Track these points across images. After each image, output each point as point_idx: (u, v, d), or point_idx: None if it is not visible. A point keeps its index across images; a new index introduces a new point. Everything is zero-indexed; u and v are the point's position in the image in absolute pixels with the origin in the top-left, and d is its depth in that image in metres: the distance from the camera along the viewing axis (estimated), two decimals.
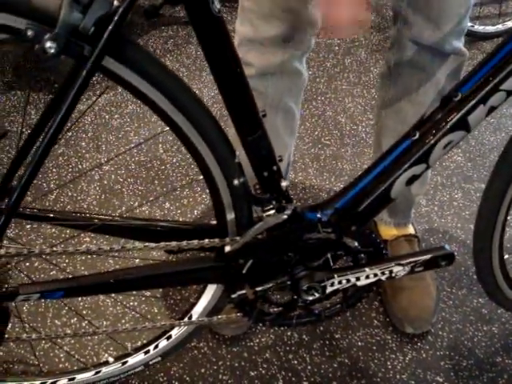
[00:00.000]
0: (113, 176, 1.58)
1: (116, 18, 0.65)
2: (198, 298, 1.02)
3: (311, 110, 1.80)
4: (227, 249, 0.87)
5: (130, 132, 1.73)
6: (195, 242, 0.86)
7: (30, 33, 0.64)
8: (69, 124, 0.72)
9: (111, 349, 1.21)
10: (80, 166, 1.62)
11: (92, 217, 0.92)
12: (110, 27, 0.65)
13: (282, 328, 1.24)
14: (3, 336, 0.90)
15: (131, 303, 1.29)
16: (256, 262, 0.89)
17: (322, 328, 1.24)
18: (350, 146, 1.68)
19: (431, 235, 1.43)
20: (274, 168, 0.82)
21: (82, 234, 1.38)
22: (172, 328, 1.06)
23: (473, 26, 2.02)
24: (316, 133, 1.72)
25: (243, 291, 0.93)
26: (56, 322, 1.27)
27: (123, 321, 1.26)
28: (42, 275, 1.34)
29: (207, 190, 0.84)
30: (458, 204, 1.52)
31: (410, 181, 0.88)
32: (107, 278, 0.88)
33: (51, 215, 0.89)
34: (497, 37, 2.11)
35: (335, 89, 1.89)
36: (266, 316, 0.99)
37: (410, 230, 1.34)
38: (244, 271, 0.89)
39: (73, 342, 1.23)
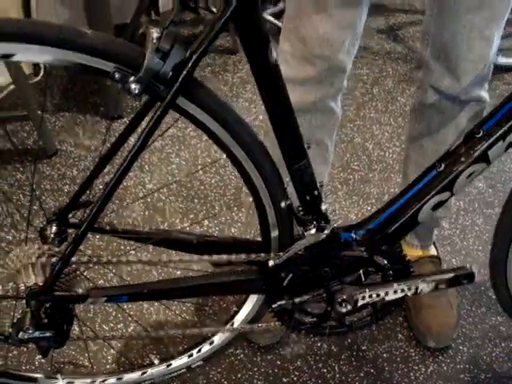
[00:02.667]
0: (155, 194, 1.71)
1: (190, 64, 0.77)
2: (239, 307, 1.13)
3: (341, 136, 1.91)
4: (271, 263, 0.98)
5: (172, 154, 1.85)
6: (243, 256, 0.97)
7: (117, 75, 0.76)
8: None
9: (154, 352, 1.32)
10: (125, 184, 1.74)
11: (151, 231, 1.04)
12: (185, 72, 0.77)
13: (313, 338, 1.34)
14: (68, 335, 1.01)
15: (172, 311, 1.40)
16: (296, 275, 0.99)
17: (349, 340, 1.34)
18: (378, 172, 1.79)
19: (453, 256, 1.53)
20: (316, 193, 0.93)
21: (128, 247, 1.50)
22: (215, 334, 1.17)
23: (496, 59, 2.11)
24: (345, 158, 1.83)
25: (283, 302, 1.03)
26: (104, 326, 1.38)
27: (165, 327, 1.37)
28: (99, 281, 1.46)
29: (243, 210, 0.95)
30: (479, 228, 1.62)
31: (436, 207, 0.99)
32: (165, 285, 1.00)
33: (117, 229, 1.01)
34: None
35: (363, 116, 2.01)
36: (302, 325, 1.09)
37: (433, 251, 1.44)
38: (284, 284, 1.00)
39: (119, 345, 1.34)
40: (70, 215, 1.03)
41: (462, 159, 0.95)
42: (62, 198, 1.70)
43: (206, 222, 1.62)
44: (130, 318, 1.38)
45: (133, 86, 0.76)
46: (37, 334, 0.94)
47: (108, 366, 1.31)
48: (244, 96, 2.11)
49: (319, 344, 1.33)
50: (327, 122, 1.22)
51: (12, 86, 1.98)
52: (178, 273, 1.44)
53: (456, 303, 1.37)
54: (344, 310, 1.03)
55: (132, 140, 0.89)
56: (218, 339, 1.17)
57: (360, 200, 1.69)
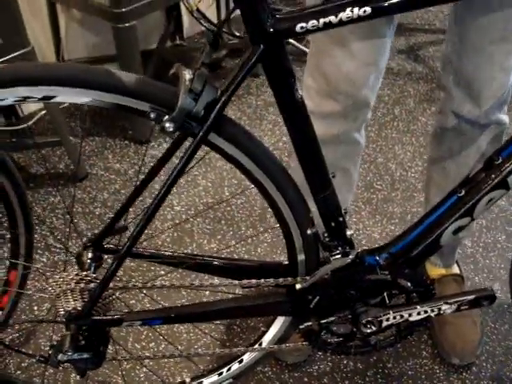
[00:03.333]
0: (183, 216, 1.76)
1: (220, 103, 0.82)
2: (268, 327, 1.17)
3: (363, 156, 1.94)
4: (298, 286, 1.03)
5: (198, 176, 1.91)
6: (271, 280, 1.01)
7: (152, 115, 0.82)
8: None
9: (186, 370, 1.37)
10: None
11: (182, 256, 1.09)
12: (216, 110, 0.82)
13: (339, 356, 1.38)
14: (104, 356, 1.07)
15: (201, 330, 1.45)
16: (322, 298, 1.03)
17: (374, 358, 1.37)
18: (400, 191, 1.83)
19: (476, 274, 1.56)
20: (340, 219, 0.98)
21: (158, 269, 1.56)
22: (244, 353, 1.22)
23: None
24: (368, 178, 1.87)
25: (310, 323, 1.07)
26: (136, 345, 1.43)
27: (196, 346, 1.42)
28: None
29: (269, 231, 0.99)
30: (501, 246, 1.64)
31: (457, 231, 1.02)
32: (197, 309, 1.05)
33: (152, 254, 1.06)
34: None
35: (385, 137, 2.05)
36: (328, 345, 1.13)
37: (455, 269, 1.46)
38: (311, 306, 1.04)
39: (151, 363, 1.39)
40: (105, 242, 1.09)
41: (482, 186, 0.98)
42: (94, 221, 1.77)
43: (232, 242, 1.68)
44: (161, 337, 1.44)
45: (167, 124, 0.81)
46: (75, 355, 0.99)
47: None
48: (268, 118, 2.16)
49: (345, 362, 1.37)
50: (351, 152, 1.26)
51: (43, 112, 2.07)
52: (207, 293, 1.49)
53: (479, 320, 1.39)
54: (369, 331, 1.07)
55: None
56: (247, 358, 1.22)
57: (383, 219, 1.73)
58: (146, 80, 0.83)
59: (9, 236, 1.28)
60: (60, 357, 0.99)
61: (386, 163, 1.94)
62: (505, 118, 1.21)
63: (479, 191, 0.99)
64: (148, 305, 1.49)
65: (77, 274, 1.01)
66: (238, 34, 2.51)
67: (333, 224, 0.98)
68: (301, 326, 1.08)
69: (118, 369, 1.39)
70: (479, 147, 1.24)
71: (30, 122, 2.11)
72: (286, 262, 1.06)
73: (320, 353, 1.39)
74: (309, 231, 0.96)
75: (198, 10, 2.49)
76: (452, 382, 1.32)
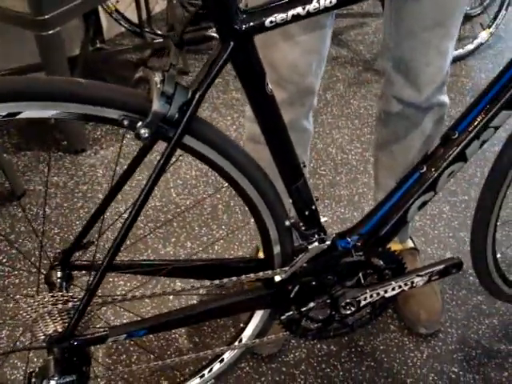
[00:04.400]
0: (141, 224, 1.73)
1: (194, 103, 0.81)
2: (246, 323, 1.18)
3: None
4: (278, 278, 1.04)
5: (142, 180, 1.88)
6: (252, 275, 1.02)
7: (125, 122, 0.80)
8: None
9: (162, 379, 1.35)
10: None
11: (160, 263, 1.07)
12: (189, 112, 0.81)
13: (312, 342, 1.40)
14: (89, 376, 1.03)
15: (175, 335, 1.43)
16: (301, 286, 1.05)
17: (346, 338, 1.41)
18: (344, 174, 1.87)
19: (428, 246, 1.63)
20: (313, 207, 1.00)
21: (131, 280, 1.53)
22: (225, 352, 1.22)
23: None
24: (312, 164, 1.91)
25: (290, 312, 1.09)
26: (107, 360, 1.39)
27: (169, 352, 1.40)
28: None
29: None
30: (446, 216, 1.72)
31: (421, 206, 1.07)
32: (181, 313, 1.04)
33: (125, 264, 1.04)
34: (461, 59, 2.36)
35: (322, 123, 2.09)
36: (309, 331, 1.15)
37: (410, 244, 1.52)
38: (292, 295, 1.06)
39: (126, 376, 1.36)
40: (73, 258, 1.05)
41: (442, 160, 1.03)
42: (40, 239, 1.70)
43: (188, 244, 1.66)
44: (131, 348, 1.41)
45: (142, 131, 0.79)
46: (62, 380, 0.96)
47: None
48: (231, 113, 2.16)
49: (319, 346, 1.40)
50: (301, 140, 1.28)
51: None
52: (174, 301, 1.48)
53: (439, 289, 1.46)
54: (348, 312, 1.10)
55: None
56: (228, 356, 1.22)
57: (332, 203, 1.77)
58: (113, 87, 0.80)
59: None
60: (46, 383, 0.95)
61: (326, 148, 1.98)
62: (445, 98, 1.26)
63: (440, 166, 1.04)
64: (120, 319, 1.46)
65: (52, 296, 0.98)
66: (160, 33, 2.49)
67: (307, 213, 0.99)
68: (282, 317, 1.09)
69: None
70: (423, 129, 1.28)
71: None
72: (262, 256, 1.07)
73: (293, 341, 1.41)
74: (287, 222, 0.98)
75: (116, 10, 2.44)
76: (422, 351, 1.38)
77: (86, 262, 1.06)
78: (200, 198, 1.80)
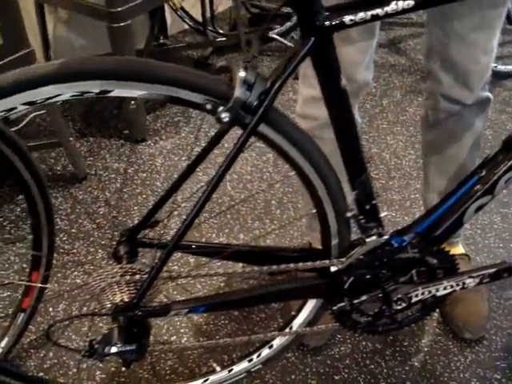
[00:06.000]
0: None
1: (272, 93, 0.87)
2: (298, 311, 1.22)
3: None
4: (334, 268, 1.08)
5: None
6: (309, 263, 1.06)
7: (208, 106, 0.85)
8: None
9: (211, 361, 1.40)
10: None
11: (220, 246, 1.12)
12: (267, 101, 0.86)
13: (358, 338, 1.43)
14: (147, 347, 1.09)
15: (226, 319, 1.48)
16: (356, 279, 1.09)
17: (391, 337, 1.44)
18: (397, 179, 1.90)
19: (477, 254, 1.64)
20: (374, 202, 1.03)
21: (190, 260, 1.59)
22: (275, 338, 1.26)
23: (496, 67, 2.24)
24: None
25: (342, 304, 1.13)
26: (158, 339, 1.46)
27: (217, 336, 1.45)
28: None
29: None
30: (497, 227, 1.73)
31: (478, 209, 1.10)
32: (240, 295, 1.09)
33: (189, 245, 1.10)
34: None
35: (377, 128, 2.12)
36: (358, 324, 1.18)
37: (461, 249, 1.54)
38: (345, 287, 1.09)
39: (175, 357, 1.42)
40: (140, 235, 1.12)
41: (501, 166, 1.05)
42: (100, 220, 1.78)
43: (241, 235, 1.71)
44: (181, 330, 1.46)
45: (223, 115, 0.85)
46: (124, 347, 1.02)
47: (167, 378, 1.39)
48: None
49: (364, 343, 1.43)
50: None
51: (32, 115, 2.06)
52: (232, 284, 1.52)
53: (486, 296, 1.47)
54: (399, 308, 1.13)
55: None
56: (277, 343, 1.26)
57: (384, 206, 1.80)
58: (200, 73, 0.86)
59: (31, 236, 1.29)
60: (108, 349, 1.01)
61: (380, 153, 2.01)
62: (489, 94, 1.29)
63: (499, 171, 1.06)
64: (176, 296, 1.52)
65: (121, 267, 1.04)
66: (222, 32, 2.56)
67: (367, 207, 1.03)
68: (334, 308, 1.13)
69: (143, 363, 1.41)
70: (471, 126, 1.31)
71: (20, 125, 2.10)
72: (319, 247, 1.11)
73: (339, 336, 1.44)
74: (348, 214, 1.02)
75: (182, 8, 2.52)
76: (466, 356, 1.39)
77: (152, 240, 1.12)
78: (254, 193, 1.86)
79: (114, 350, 1.01)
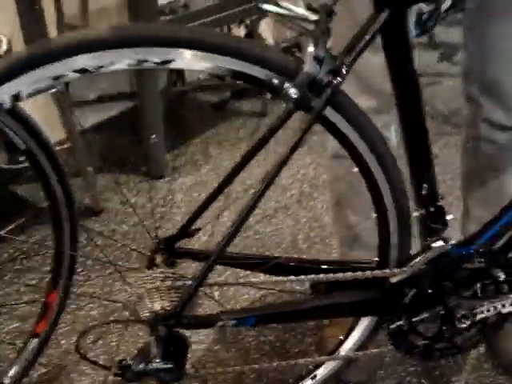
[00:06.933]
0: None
1: (342, 71, 0.81)
2: (346, 336, 1.11)
3: None
4: (395, 279, 0.98)
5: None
6: (368, 272, 0.97)
7: (275, 81, 0.79)
8: None
9: None
10: None
11: (263, 258, 1.03)
12: (336, 81, 0.81)
13: (403, 374, 1.32)
14: (185, 368, 0.97)
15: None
16: (418, 291, 0.99)
17: (437, 372, 1.32)
18: None
19: None
20: (439, 203, 0.96)
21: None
22: (319, 367, 1.14)
23: None
24: None
25: (401, 322, 1.03)
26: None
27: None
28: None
29: None
30: None
31: None
32: (288, 307, 0.99)
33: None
34: None
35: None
36: (415, 348, 1.08)
37: None
38: (406, 301, 1.00)
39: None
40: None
41: None
42: (117, 253, 1.68)
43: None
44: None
45: (291, 90, 0.79)
46: (161, 365, 0.91)
47: None
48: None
49: (408, 378, 1.31)
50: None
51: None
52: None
53: None
54: (463, 326, 1.03)
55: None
56: (321, 373, 1.15)
57: None
58: (266, 47, 0.81)
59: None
60: (144, 366, 0.90)
61: None
62: None
63: None
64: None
65: (162, 272, 0.95)
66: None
67: (432, 209, 0.96)
68: (391, 326, 1.03)
69: None
70: None
71: None
72: (376, 258, 1.02)
73: (382, 371, 1.33)
74: (415, 213, 0.94)
75: None
76: None
77: (191, 249, 1.04)
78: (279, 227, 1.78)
79: (151, 366, 0.91)
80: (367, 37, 0.81)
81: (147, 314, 0.91)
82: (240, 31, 2.37)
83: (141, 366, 0.91)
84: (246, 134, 2.28)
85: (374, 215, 0.96)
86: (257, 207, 0.88)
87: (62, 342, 1.41)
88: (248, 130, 2.30)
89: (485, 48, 1.11)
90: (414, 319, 1.02)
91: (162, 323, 0.90)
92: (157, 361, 0.90)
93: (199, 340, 1.36)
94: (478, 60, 1.14)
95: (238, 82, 2.39)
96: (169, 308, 0.90)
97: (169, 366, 0.92)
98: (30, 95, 0.75)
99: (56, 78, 0.74)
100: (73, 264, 1.22)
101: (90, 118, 2.08)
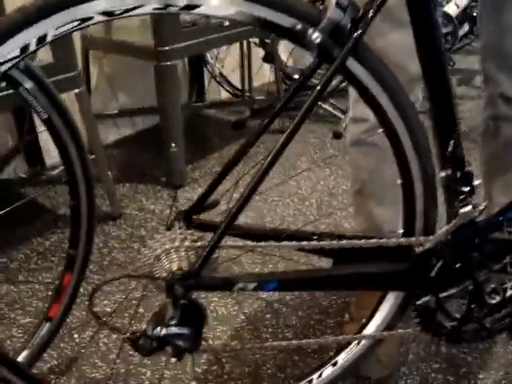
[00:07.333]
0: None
1: (364, 20, 0.80)
2: (369, 319, 1.07)
3: None
4: (421, 249, 0.94)
5: None
6: (393, 240, 0.93)
7: (298, 27, 0.78)
8: None
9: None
10: None
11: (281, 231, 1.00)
12: (359, 31, 0.80)
13: (426, 370, 1.25)
14: (201, 336, 0.92)
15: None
16: (444, 264, 0.95)
17: (464, 369, 1.26)
18: None
19: None
20: (466, 169, 0.93)
21: None
22: (339, 353, 1.09)
23: None
24: None
25: (427, 298, 0.98)
26: (197, 369, 1.28)
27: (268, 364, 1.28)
28: None
29: None
30: None
31: None
32: (309, 274, 0.96)
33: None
34: None
35: None
36: (443, 329, 1.02)
37: None
38: (433, 274, 0.95)
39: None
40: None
41: None
42: (134, 255, 1.66)
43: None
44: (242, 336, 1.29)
45: (315, 35, 0.78)
46: (177, 329, 0.87)
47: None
48: (301, 166, 2.17)
49: (433, 375, 1.25)
50: None
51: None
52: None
53: None
54: (493, 302, 0.98)
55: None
56: (342, 359, 1.09)
57: None
58: None
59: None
60: (160, 330, 0.86)
61: None
62: None
63: None
64: None
65: (181, 233, 0.93)
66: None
67: (458, 174, 0.93)
68: (418, 302, 0.98)
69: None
70: None
71: (56, 171, 2.05)
72: (401, 230, 0.98)
73: (404, 368, 1.26)
74: (443, 173, 0.91)
75: (221, 74, 2.55)
76: None
77: (208, 221, 1.01)
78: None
79: (168, 331, 0.86)
80: None
81: (164, 274, 0.89)
82: None
83: (156, 331, 0.87)
84: (264, 149, 2.27)
85: (399, 181, 0.94)
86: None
87: (75, 335, 1.37)
88: (267, 146, 2.29)
89: (501, 23, 1.11)
90: (441, 295, 0.98)
91: (179, 282, 0.87)
92: (173, 323, 0.86)
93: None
94: (494, 36, 1.14)
95: (258, 98, 2.47)
96: (186, 268, 0.87)
97: (185, 331, 0.88)
98: (55, 38, 0.75)
99: (83, 21, 0.74)
100: (89, 244, 1.21)
101: (112, 134, 2.11)
